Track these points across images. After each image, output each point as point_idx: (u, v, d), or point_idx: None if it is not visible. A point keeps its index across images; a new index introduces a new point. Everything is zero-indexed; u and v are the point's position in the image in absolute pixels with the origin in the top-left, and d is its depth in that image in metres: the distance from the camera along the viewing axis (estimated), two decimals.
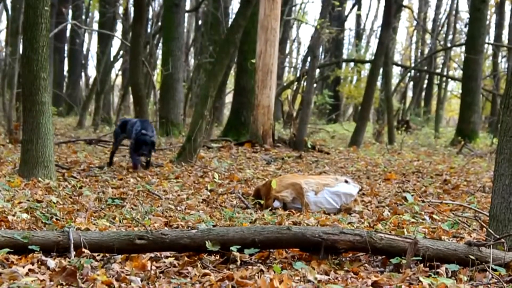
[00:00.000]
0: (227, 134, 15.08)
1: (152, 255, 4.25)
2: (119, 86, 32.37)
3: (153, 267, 3.94)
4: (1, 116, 17.75)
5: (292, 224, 5.60)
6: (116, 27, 29.78)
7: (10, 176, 7.77)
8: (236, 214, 6.07)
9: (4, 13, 29.78)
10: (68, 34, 31.15)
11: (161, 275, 3.84)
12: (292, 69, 38.21)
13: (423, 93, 36.03)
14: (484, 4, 18.90)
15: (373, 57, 19.98)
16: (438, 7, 33.13)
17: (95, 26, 32.50)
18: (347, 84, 35.11)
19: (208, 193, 7.43)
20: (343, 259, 4.27)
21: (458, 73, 31.28)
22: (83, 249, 4.06)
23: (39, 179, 7.44)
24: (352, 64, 33.65)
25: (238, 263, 4.11)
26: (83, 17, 31.88)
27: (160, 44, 24.52)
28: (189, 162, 10.03)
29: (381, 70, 19.28)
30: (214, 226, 5.30)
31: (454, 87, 36.94)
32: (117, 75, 29.17)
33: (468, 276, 3.86)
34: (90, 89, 23.99)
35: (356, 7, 33.39)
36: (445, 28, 31.49)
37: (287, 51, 35.25)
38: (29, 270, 3.76)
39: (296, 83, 23.38)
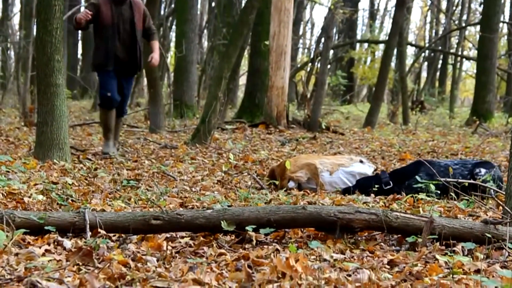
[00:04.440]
0: (241, 116, 15.07)
1: (168, 235, 4.25)
2: None
3: (169, 247, 3.95)
4: (16, 99, 17.82)
5: (307, 203, 5.59)
6: None
7: (25, 158, 7.80)
8: (251, 194, 6.07)
9: None
10: None
11: (177, 255, 3.85)
12: (305, 50, 38.10)
13: (438, 73, 35.86)
14: None
15: (387, 38, 19.86)
16: None
17: None
18: (361, 65, 34.97)
19: (223, 174, 7.43)
20: (359, 238, 4.27)
21: (473, 53, 31.07)
22: (99, 230, 4.07)
23: (54, 161, 7.47)
24: (366, 44, 33.48)
25: (254, 242, 4.11)
26: None
27: (174, 27, 24.50)
28: (203, 143, 10.03)
29: (395, 50, 19.19)
30: (229, 206, 5.30)
31: (469, 67, 36.79)
32: None
33: (484, 254, 3.85)
34: None
35: None
36: (459, 8, 31.26)
37: (300, 33, 35.18)
38: (46, 250, 3.78)
39: (310, 64, 23.30)
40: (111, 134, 8.88)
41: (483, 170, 6.24)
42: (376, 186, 6.49)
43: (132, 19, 8.80)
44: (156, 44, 9.19)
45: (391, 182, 6.51)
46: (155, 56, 9.12)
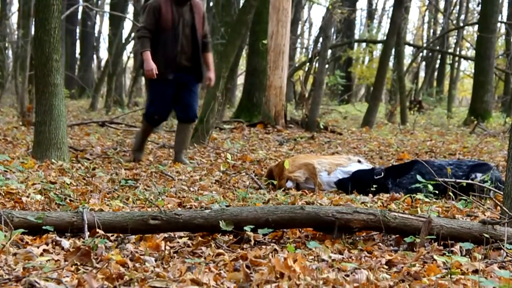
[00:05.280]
0: (239, 115, 15.07)
1: (166, 235, 4.25)
2: (131, 68, 32.35)
3: (167, 247, 3.95)
4: (14, 99, 17.81)
5: (305, 204, 5.59)
6: (128, 8, 29.78)
7: (23, 158, 7.79)
8: (249, 194, 6.07)
9: None
10: (79, 16, 31.17)
11: (175, 255, 3.85)
12: (304, 50, 38.11)
13: (436, 73, 35.89)
14: None
15: (385, 37, 19.89)
16: None
17: (107, 8, 32.48)
18: (359, 64, 35.00)
19: (221, 174, 7.43)
20: (357, 238, 4.27)
21: (471, 53, 31.09)
22: (97, 230, 4.08)
23: (53, 160, 7.46)
24: (364, 44, 33.52)
25: (252, 242, 4.11)
26: None
27: None
28: (201, 143, 10.03)
29: (393, 50, 19.19)
30: (227, 206, 5.30)
31: (467, 67, 36.80)
32: (129, 57, 29.17)
33: (482, 254, 3.85)
34: (102, 71, 24.03)
35: None
36: (457, 7, 31.28)
37: (298, 32, 35.18)
38: (44, 250, 3.78)
39: (308, 64, 23.31)
40: (144, 144, 8.56)
41: (479, 175, 6.21)
42: (369, 178, 6.55)
43: (193, 22, 8.11)
44: (211, 58, 8.42)
45: (383, 173, 6.56)
46: (212, 76, 8.45)
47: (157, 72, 7.91)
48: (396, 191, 6.39)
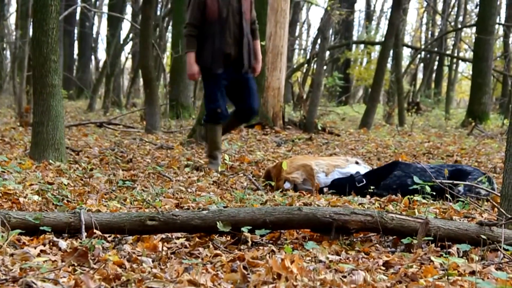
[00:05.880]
0: None
1: (163, 236, 4.25)
2: (129, 69, 32.41)
3: (164, 248, 3.95)
4: (12, 99, 17.80)
5: (303, 205, 5.60)
6: (126, 9, 29.78)
7: (21, 158, 7.79)
8: (246, 195, 6.07)
9: None
10: (77, 17, 31.17)
11: (172, 255, 3.85)
12: (302, 51, 38.14)
13: (434, 75, 35.91)
14: None
15: (383, 39, 19.88)
16: None
17: (105, 8, 32.52)
18: (357, 66, 35.02)
19: (219, 175, 7.43)
20: (354, 239, 4.27)
21: (469, 54, 31.14)
22: (94, 230, 4.07)
23: (50, 161, 7.46)
24: (362, 46, 33.55)
25: (249, 243, 4.11)
26: None
27: (170, 27, 24.50)
28: (199, 144, 10.03)
29: (391, 51, 19.22)
30: (225, 207, 5.30)
31: (465, 69, 36.83)
32: (127, 58, 29.22)
33: (479, 256, 3.85)
34: (100, 72, 24.04)
35: None
36: (455, 9, 31.28)
37: (297, 33, 35.19)
38: (41, 251, 3.77)
39: (306, 65, 23.32)
40: (219, 152, 7.86)
41: (461, 190, 6.09)
42: (350, 185, 6.53)
43: (240, 9, 7.59)
44: (259, 46, 7.92)
45: (364, 180, 6.55)
46: (258, 68, 7.91)
47: (199, 70, 7.56)
48: (381, 194, 6.38)
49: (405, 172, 6.39)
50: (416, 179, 6.10)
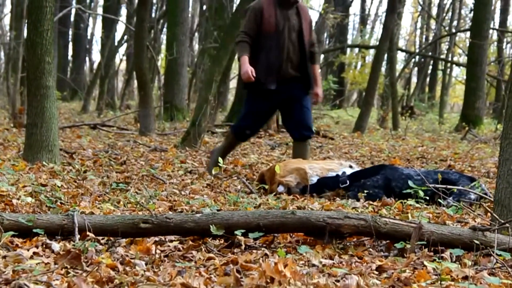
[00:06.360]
0: (232, 119, 15.06)
1: (157, 239, 4.25)
2: (123, 71, 32.37)
3: (158, 251, 3.94)
4: (6, 100, 17.77)
5: (296, 208, 5.59)
6: (121, 11, 29.77)
7: (14, 160, 7.78)
8: (240, 198, 6.06)
9: None
10: (72, 18, 31.15)
11: (165, 258, 3.85)
12: None
13: (428, 79, 35.97)
14: None
15: (377, 43, 19.91)
16: None
17: (100, 10, 32.52)
18: (351, 69, 35.05)
19: (212, 178, 7.42)
20: (348, 244, 4.27)
21: (463, 59, 31.19)
22: (88, 233, 4.06)
23: (44, 163, 7.45)
24: (356, 49, 33.56)
25: (243, 247, 4.11)
26: (88, 1, 31.85)
27: (165, 29, 24.51)
28: (193, 147, 10.03)
29: (385, 55, 19.24)
30: (218, 210, 5.29)
31: (459, 73, 36.87)
32: (121, 60, 29.20)
33: (472, 261, 3.86)
34: (95, 74, 24.03)
35: None
36: (450, 14, 31.37)
37: None
38: (34, 253, 3.77)
39: None
40: (221, 160, 7.24)
41: (450, 201, 6.06)
42: (334, 185, 6.54)
43: (300, 27, 7.33)
44: (318, 70, 7.67)
45: (347, 181, 6.55)
46: (320, 93, 7.67)
47: (254, 76, 7.21)
48: (355, 195, 6.37)
49: (389, 179, 6.39)
50: (411, 184, 6.11)
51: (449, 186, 5.62)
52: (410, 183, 6.17)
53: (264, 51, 7.27)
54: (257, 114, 7.53)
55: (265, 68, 7.25)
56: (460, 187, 5.83)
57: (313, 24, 7.55)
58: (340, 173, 6.72)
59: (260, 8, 7.28)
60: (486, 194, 6.07)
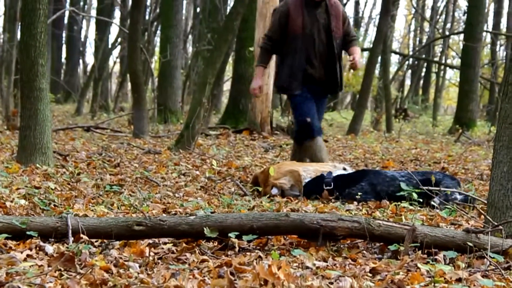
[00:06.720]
0: (225, 122, 15.07)
1: (150, 241, 4.24)
2: (117, 73, 32.34)
3: (151, 253, 3.94)
4: None
5: (290, 211, 5.59)
6: (114, 13, 29.75)
7: (8, 162, 7.76)
8: (234, 201, 6.06)
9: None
10: (66, 20, 31.11)
11: (159, 261, 3.84)
12: None
13: (421, 81, 36.02)
14: None
15: (371, 45, 19.95)
16: None
17: (93, 12, 32.47)
18: (345, 72, 35.04)
19: (206, 180, 7.42)
20: (341, 246, 4.27)
21: (456, 61, 31.29)
22: (81, 235, 4.06)
23: (37, 165, 7.43)
24: None
25: (236, 249, 4.11)
26: (81, 3, 31.84)
27: (158, 31, 24.50)
28: (187, 149, 10.02)
29: (379, 58, 19.27)
30: (212, 212, 5.29)
31: (452, 76, 37.02)
32: (115, 62, 29.18)
33: (466, 263, 3.86)
34: (88, 76, 24.00)
35: None
36: (443, 16, 31.44)
37: None
38: (27, 255, 3.76)
39: None
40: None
41: (437, 201, 6.06)
42: (318, 186, 6.53)
43: (329, 25, 7.11)
44: (356, 49, 7.43)
45: (332, 184, 6.52)
46: (357, 58, 7.30)
47: (262, 86, 7.17)
48: (344, 203, 6.37)
49: (373, 184, 6.38)
50: (404, 186, 6.12)
51: (431, 188, 5.61)
52: (403, 185, 6.18)
53: (290, 54, 7.10)
54: (302, 105, 7.20)
55: (289, 72, 7.10)
56: (456, 190, 5.84)
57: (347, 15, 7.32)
58: (325, 174, 6.68)
59: (286, 10, 7.09)
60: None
